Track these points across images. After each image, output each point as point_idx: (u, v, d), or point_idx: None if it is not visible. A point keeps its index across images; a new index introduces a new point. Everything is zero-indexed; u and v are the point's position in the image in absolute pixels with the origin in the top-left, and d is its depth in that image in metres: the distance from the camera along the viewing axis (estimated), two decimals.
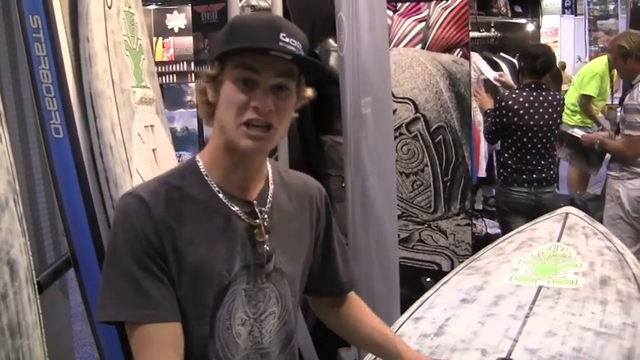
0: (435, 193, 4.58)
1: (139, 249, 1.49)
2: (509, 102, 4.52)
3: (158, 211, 1.51)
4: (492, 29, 5.43)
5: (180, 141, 7.91)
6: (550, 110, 4.51)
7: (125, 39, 2.54)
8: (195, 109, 8.29)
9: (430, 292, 2.40)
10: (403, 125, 4.60)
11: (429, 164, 4.56)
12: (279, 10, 3.56)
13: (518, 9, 5.70)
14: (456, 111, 4.50)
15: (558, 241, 2.78)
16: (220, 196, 1.57)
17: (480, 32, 5.20)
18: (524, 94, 4.53)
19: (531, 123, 4.48)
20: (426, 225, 4.62)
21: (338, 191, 4.09)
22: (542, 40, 7.22)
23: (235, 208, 1.57)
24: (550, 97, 4.56)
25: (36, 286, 2.15)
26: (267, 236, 1.59)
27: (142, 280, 1.48)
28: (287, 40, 1.49)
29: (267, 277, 1.60)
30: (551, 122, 4.52)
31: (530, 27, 5.80)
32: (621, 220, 4.58)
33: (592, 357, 1.92)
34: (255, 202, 1.60)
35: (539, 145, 4.53)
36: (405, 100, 4.59)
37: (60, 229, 2.55)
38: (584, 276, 2.46)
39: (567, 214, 3.06)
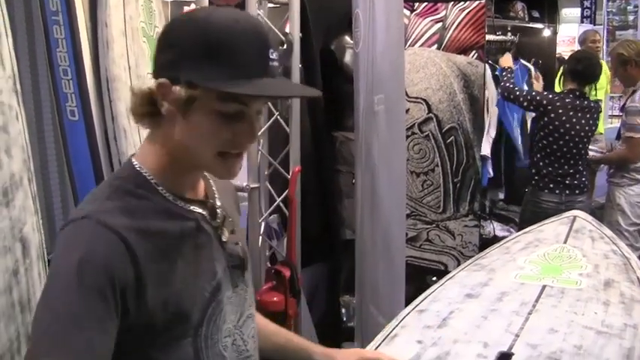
0: (445, 194, 4.60)
1: (93, 284, 1.23)
2: (554, 104, 4.42)
3: (127, 237, 1.28)
4: (509, 33, 5.43)
5: None
6: (588, 117, 4.45)
7: (143, 25, 2.58)
8: None
9: (435, 286, 2.42)
10: (415, 125, 4.62)
11: (439, 164, 4.59)
12: (296, 6, 3.59)
13: (536, 14, 5.70)
14: (469, 112, 4.52)
15: (565, 243, 2.79)
16: (178, 203, 1.39)
17: (497, 35, 5.21)
18: (567, 100, 4.44)
19: (569, 129, 4.40)
20: (434, 225, 4.64)
21: (348, 187, 4.12)
22: (560, 49, 7.21)
23: (198, 211, 1.42)
24: (589, 105, 4.50)
25: (47, 264, 2.19)
26: (233, 233, 1.48)
27: (85, 323, 1.22)
28: (274, 56, 1.33)
29: (243, 279, 1.50)
30: (587, 129, 4.45)
31: (547, 32, 5.80)
32: (621, 226, 4.61)
33: (592, 355, 1.93)
34: (207, 199, 1.47)
35: (574, 151, 4.45)
36: (419, 100, 4.61)
37: (72, 209, 2.59)
38: (589, 277, 2.48)
39: (575, 217, 3.07)
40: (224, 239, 1.45)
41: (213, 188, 1.50)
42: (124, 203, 1.33)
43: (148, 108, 1.35)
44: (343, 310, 4.30)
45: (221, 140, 1.32)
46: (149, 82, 1.35)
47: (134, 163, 1.39)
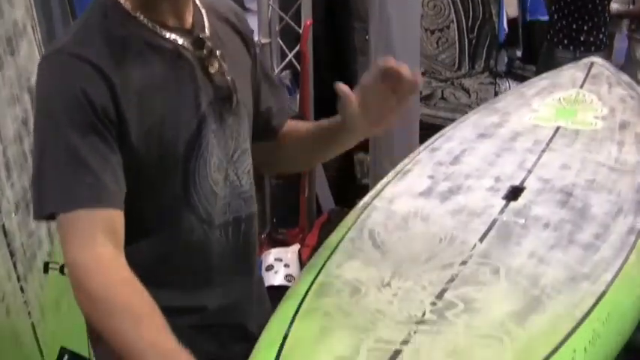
0: (460, 51, 4.53)
1: (81, 119, 1.24)
2: None
3: (100, 64, 1.26)
4: None
5: None
6: None
7: None
8: None
9: (449, 127, 2.41)
10: None
11: (454, 21, 4.49)
12: None
13: None
14: None
15: (581, 87, 2.75)
16: (157, 31, 1.33)
17: None
18: None
19: None
20: (448, 82, 4.60)
21: (362, 44, 4.06)
22: None
23: (180, 41, 1.35)
24: None
25: None
26: (222, 65, 1.40)
27: (87, 157, 1.23)
28: None
29: (233, 111, 1.43)
30: None
31: None
32: None
33: (604, 188, 1.93)
34: (194, 29, 1.38)
35: (589, 6, 4.32)
36: None
37: None
38: (604, 120, 2.45)
39: (592, 63, 3.01)
40: (212, 71, 1.38)
41: (205, 19, 1.42)
42: (99, 31, 1.29)
43: None
44: (357, 167, 4.32)
45: None
46: None
47: None
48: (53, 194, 1.24)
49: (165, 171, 1.34)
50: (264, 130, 1.59)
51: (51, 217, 1.26)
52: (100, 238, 1.21)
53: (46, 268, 2.39)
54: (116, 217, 1.25)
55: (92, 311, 1.21)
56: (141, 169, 1.31)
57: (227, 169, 1.42)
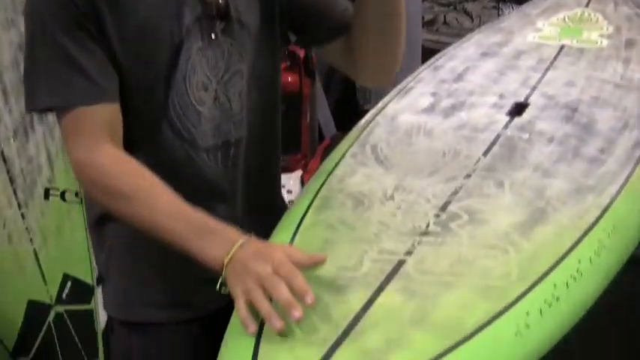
0: None
1: (67, 17, 1.26)
2: None
3: None
4: None
5: None
6: None
7: None
8: None
9: (451, 47, 2.38)
10: None
11: None
12: None
13: None
14: None
15: (586, 6, 2.71)
16: None
17: None
18: None
19: None
20: (451, 7, 4.54)
21: None
22: None
23: None
24: None
25: None
26: None
27: (76, 55, 1.27)
28: None
29: (224, 31, 1.38)
30: None
31: None
32: None
33: (609, 104, 1.91)
34: None
35: None
36: None
37: None
38: (610, 38, 2.42)
39: None
40: None
41: None
42: None
43: None
44: (359, 93, 4.29)
45: None
46: None
47: None
48: (48, 89, 1.29)
49: (146, 84, 1.34)
50: (345, 27, 1.48)
51: (44, 110, 1.37)
52: (102, 136, 1.28)
53: (46, 194, 2.39)
54: (113, 112, 1.31)
55: (110, 202, 1.29)
56: (122, 79, 1.33)
57: (216, 90, 1.39)
